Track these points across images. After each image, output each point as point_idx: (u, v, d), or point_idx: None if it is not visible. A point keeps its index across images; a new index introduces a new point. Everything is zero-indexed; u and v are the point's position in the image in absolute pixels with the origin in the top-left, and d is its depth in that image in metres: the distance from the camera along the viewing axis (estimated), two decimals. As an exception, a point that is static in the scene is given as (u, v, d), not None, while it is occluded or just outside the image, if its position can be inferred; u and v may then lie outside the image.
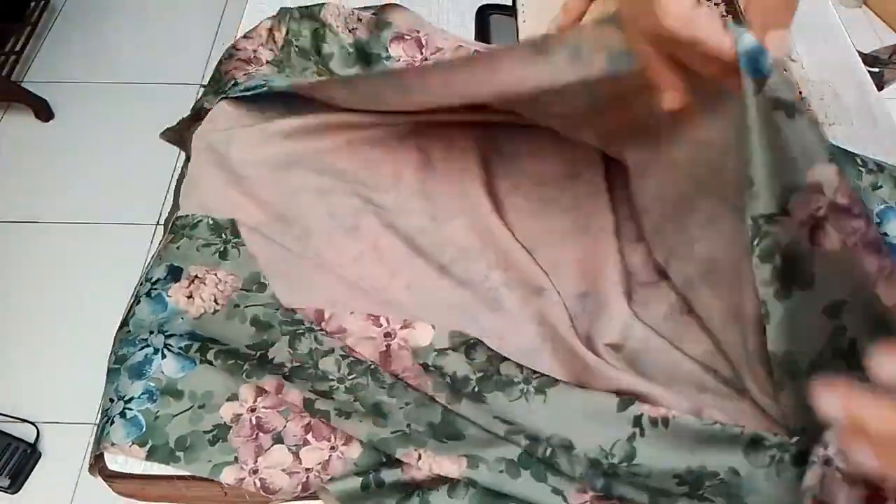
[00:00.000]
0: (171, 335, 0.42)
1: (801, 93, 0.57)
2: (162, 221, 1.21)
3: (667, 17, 0.32)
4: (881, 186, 0.46)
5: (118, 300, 0.45)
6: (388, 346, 0.42)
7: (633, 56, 0.35)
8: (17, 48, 1.48)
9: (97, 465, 0.40)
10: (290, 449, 0.39)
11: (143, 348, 0.42)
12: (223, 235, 0.47)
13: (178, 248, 0.47)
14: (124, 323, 0.44)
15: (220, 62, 0.57)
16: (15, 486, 1.03)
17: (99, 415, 0.41)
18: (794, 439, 0.37)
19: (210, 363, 0.41)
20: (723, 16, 0.56)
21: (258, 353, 0.42)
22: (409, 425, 0.39)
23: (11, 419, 1.08)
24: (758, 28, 0.32)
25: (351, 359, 0.42)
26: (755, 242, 0.33)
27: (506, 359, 0.42)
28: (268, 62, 0.56)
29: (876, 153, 0.50)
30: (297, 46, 0.56)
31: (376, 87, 0.49)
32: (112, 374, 0.42)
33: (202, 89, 0.55)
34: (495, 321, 0.44)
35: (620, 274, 0.45)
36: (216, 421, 0.40)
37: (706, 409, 0.38)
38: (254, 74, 0.55)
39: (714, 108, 0.35)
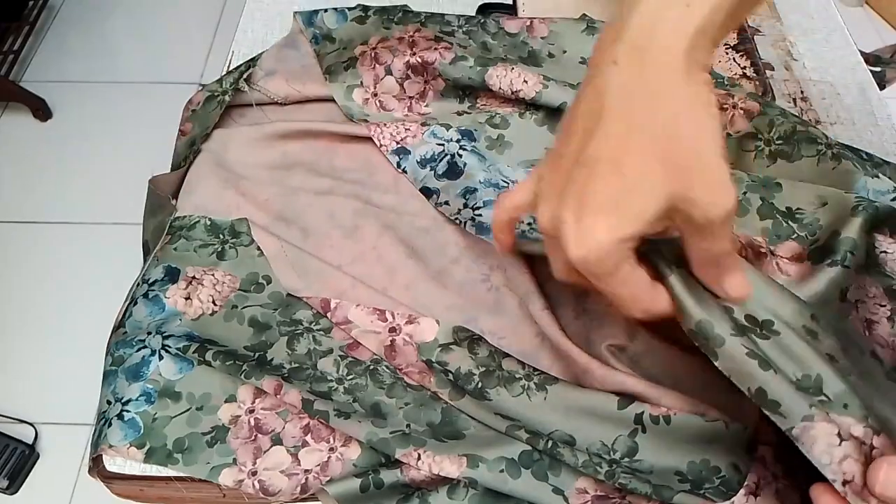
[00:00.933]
0: (168, 336, 0.42)
1: (802, 92, 0.56)
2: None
3: (576, 247, 0.29)
4: (889, 177, 0.46)
5: (117, 300, 0.45)
6: (392, 340, 0.42)
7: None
8: (16, 47, 1.48)
9: (95, 466, 0.40)
10: (288, 450, 0.39)
11: (140, 350, 0.42)
12: (221, 236, 0.47)
13: (175, 249, 0.46)
14: (120, 325, 0.44)
15: None
16: (13, 486, 1.03)
17: (96, 417, 0.41)
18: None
19: (208, 364, 0.41)
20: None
21: (256, 355, 0.42)
22: (408, 425, 0.39)
23: (10, 420, 1.08)
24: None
25: (350, 359, 0.42)
26: None
27: (507, 355, 0.42)
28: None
29: (877, 153, 0.49)
30: None
31: None
32: (109, 376, 0.42)
33: (201, 88, 0.55)
34: (495, 322, 0.44)
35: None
36: (214, 422, 0.40)
37: (709, 409, 0.38)
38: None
39: None
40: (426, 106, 0.54)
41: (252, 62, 0.55)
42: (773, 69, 0.58)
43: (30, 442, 1.05)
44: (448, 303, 0.45)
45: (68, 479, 1.04)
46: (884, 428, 0.29)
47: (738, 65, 0.57)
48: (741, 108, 0.48)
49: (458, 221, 0.47)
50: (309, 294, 0.44)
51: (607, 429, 0.39)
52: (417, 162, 0.50)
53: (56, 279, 1.23)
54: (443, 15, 0.57)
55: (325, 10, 0.57)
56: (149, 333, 0.42)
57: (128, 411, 0.40)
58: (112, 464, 0.40)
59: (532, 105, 0.52)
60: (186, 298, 0.44)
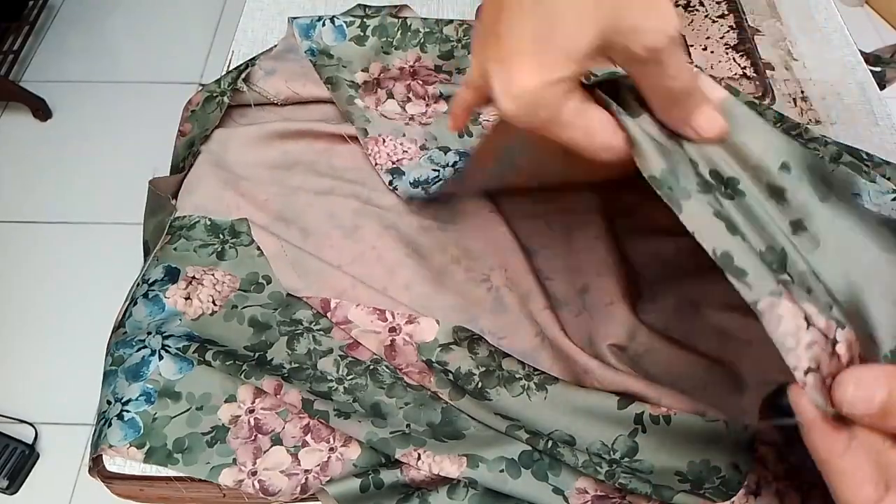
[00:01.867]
0: (168, 336, 0.42)
1: (802, 92, 0.56)
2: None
3: (504, 99, 0.26)
4: (889, 178, 0.46)
5: (117, 300, 0.45)
6: (392, 340, 0.42)
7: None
8: (16, 47, 1.48)
9: (95, 466, 0.40)
10: (288, 450, 0.39)
11: (140, 350, 0.42)
12: (221, 236, 0.47)
13: (175, 249, 0.46)
14: (120, 325, 0.44)
15: None
16: (13, 486, 1.03)
17: (96, 417, 0.41)
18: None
19: (208, 364, 0.41)
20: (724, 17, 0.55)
21: (256, 354, 0.42)
22: (408, 425, 0.39)
23: (9, 420, 1.08)
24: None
25: (350, 359, 0.42)
26: None
27: (507, 355, 0.42)
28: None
29: (877, 153, 0.49)
30: None
31: None
32: (109, 376, 0.42)
33: (200, 88, 0.55)
34: (495, 322, 0.44)
35: (625, 273, 0.45)
36: (214, 422, 0.40)
37: (710, 409, 0.38)
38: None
39: None
40: (427, 117, 0.54)
41: (251, 62, 0.55)
42: (773, 69, 0.58)
43: (30, 442, 1.05)
44: (448, 303, 0.45)
45: (68, 479, 1.04)
46: (851, 320, 0.27)
47: (738, 65, 0.57)
48: None
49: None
50: (309, 294, 0.44)
51: (607, 429, 0.39)
52: (410, 182, 0.50)
53: (56, 279, 1.23)
54: (441, 28, 0.57)
55: (323, 25, 0.56)
56: (149, 333, 0.42)
57: (128, 411, 0.40)
58: (112, 464, 0.40)
59: None
60: (186, 298, 0.44)
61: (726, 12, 0.60)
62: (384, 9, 0.58)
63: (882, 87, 0.60)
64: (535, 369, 0.41)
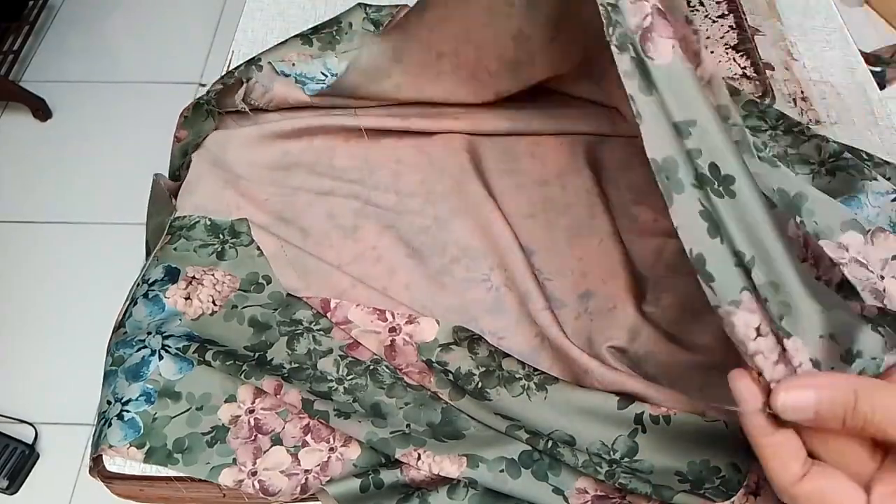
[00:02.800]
0: (168, 336, 0.42)
1: (802, 92, 0.56)
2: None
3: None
4: (889, 178, 0.46)
5: (117, 300, 0.45)
6: (392, 340, 0.42)
7: None
8: (16, 47, 1.48)
9: (95, 466, 0.40)
10: (288, 450, 0.39)
11: (140, 350, 0.42)
12: (221, 236, 0.47)
13: (175, 249, 0.46)
14: (120, 325, 0.44)
15: None
16: (13, 486, 1.03)
17: (96, 417, 0.41)
18: None
19: (208, 364, 0.41)
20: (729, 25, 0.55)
21: (256, 355, 0.42)
22: (408, 425, 0.39)
23: (9, 420, 1.08)
24: None
25: (350, 359, 0.42)
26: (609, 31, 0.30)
27: (507, 355, 0.42)
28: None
29: (877, 153, 0.49)
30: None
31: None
32: (109, 376, 0.42)
33: (201, 88, 0.55)
34: (495, 322, 0.44)
35: (628, 275, 0.45)
36: (214, 422, 0.40)
37: (709, 409, 0.38)
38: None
39: None
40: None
41: (248, 77, 0.53)
42: (773, 69, 0.58)
43: (30, 442, 1.05)
44: (448, 303, 0.45)
45: (68, 479, 1.04)
46: (796, 330, 0.28)
47: (738, 65, 0.57)
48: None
49: None
50: (309, 294, 0.44)
51: (607, 429, 0.39)
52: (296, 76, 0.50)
53: (56, 279, 1.23)
54: None
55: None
56: (149, 333, 0.42)
57: (128, 411, 0.40)
58: (112, 464, 0.40)
59: None
60: (186, 298, 0.44)
61: (726, 12, 0.60)
62: (384, 9, 0.58)
63: (882, 87, 0.60)
64: (535, 369, 0.41)
